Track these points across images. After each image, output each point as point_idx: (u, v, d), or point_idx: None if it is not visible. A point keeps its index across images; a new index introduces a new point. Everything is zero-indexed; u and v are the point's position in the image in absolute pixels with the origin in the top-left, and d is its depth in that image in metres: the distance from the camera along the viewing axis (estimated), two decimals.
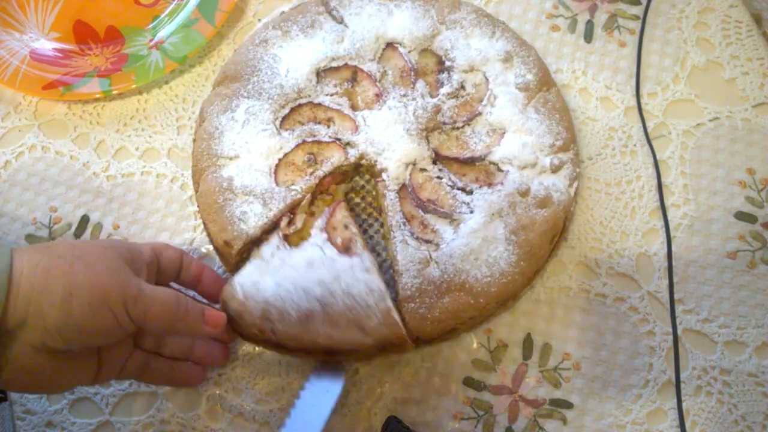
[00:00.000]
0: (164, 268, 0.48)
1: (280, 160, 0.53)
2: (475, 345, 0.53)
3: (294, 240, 0.51)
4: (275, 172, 0.53)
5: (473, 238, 0.50)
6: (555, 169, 0.53)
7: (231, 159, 0.54)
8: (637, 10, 0.64)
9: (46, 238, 0.57)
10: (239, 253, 0.51)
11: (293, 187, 0.52)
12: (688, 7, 0.64)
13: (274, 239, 0.51)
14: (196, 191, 0.55)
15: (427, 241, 0.51)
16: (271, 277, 0.49)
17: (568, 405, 0.51)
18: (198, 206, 0.55)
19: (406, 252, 0.50)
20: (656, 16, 0.64)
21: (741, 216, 0.56)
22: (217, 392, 0.52)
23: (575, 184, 0.54)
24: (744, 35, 0.62)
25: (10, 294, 0.39)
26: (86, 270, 0.41)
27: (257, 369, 0.53)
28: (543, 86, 0.56)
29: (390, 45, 0.58)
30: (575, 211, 0.57)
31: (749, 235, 0.56)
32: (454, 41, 0.57)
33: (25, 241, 0.57)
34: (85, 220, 0.58)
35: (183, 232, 0.57)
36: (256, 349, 0.53)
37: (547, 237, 0.51)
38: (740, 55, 0.62)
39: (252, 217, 0.51)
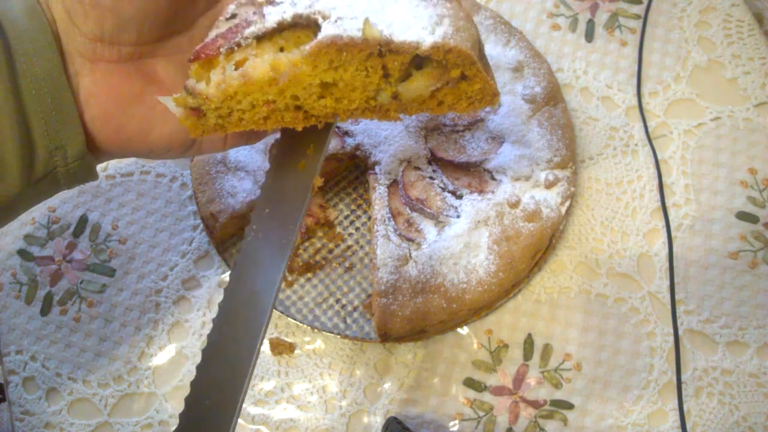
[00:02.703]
0: None
1: (276, 140, 0.53)
2: (475, 346, 0.53)
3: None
4: (270, 152, 0.54)
5: (456, 242, 0.50)
6: (549, 185, 0.53)
7: None
8: (639, 9, 0.64)
9: (45, 239, 0.57)
10: (224, 227, 0.52)
11: None
12: (689, 6, 0.63)
13: None
14: (191, 160, 0.56)
15: (410, 240, 0.51)
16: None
17: (569, 406, 0.51)
18: (191, 175, 0.55)
19: (386, 247, 0.50)
20: (657, 15, 0.63)
21: (742, 216, 0.56)
22: None
23: (567, 203, 0.53)
24: (745, 34, 0.62)
25: None
26: None
27: (256, 370, 0.53)
28: (550, 100, 0.56)
29: None
30: (575, 212, 0.56)
31: (751, 236, 0.55)
32: None
33: (24, 242, 0.57)
34: (83, 220, 0.58)
35: (182, 232, 0.57)
36: None
37: (530, 251, 0.51)
38: (742, 55, 0.61)
39: (241, 192, 0.52)
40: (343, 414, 0.51)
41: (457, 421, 0.51)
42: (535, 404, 0.51)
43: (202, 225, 0.56)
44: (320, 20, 0.34)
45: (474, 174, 0.54)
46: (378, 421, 0.51)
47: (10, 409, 0.52)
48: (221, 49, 0.35)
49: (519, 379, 0.52)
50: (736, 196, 0.57)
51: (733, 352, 0.52)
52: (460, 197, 0.52)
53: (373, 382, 0.52)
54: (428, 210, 0.52)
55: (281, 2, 0.35)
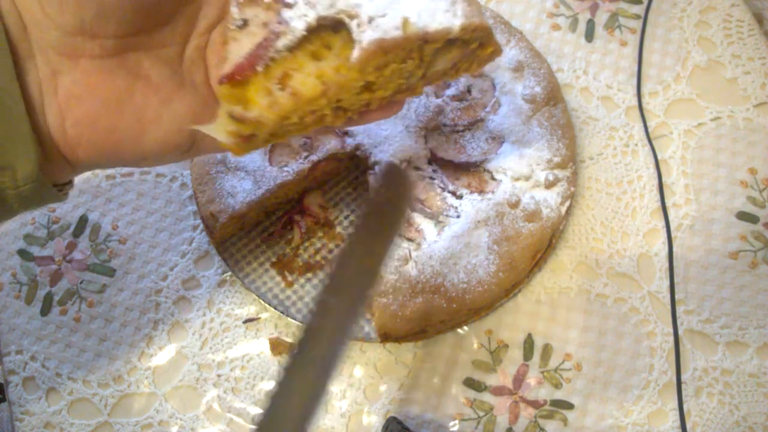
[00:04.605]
0: None
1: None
2: (475, 346, 0.53)
3: None
4: (270, 152, 0.54)
5: (456, 242, 0.50)
6: (549, 185, 0.53)
7: None
8: (639, 9, 0.64)
9: (45, 239, 0.57)
10: (224, 227, 0.52)
11: (286, 168, 0.53)
12: (689, 6, 0.63)
13: None
14: (191, 160, 0.55)
15: (409, 239, 0.51)
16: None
17: (569, 406, 0.51)
18: (191, 175, 0.55)
19: None
20: (657, 15, 0.63)
21: (742, 216, 0.56)
22: (216, 393, 0.52)
23: (567, 203, 0.53)
24: (745, 34, 0.62)
25: None
26: None
27: (256, 370, 0.53)
28: (550, 100, 0.56)
29: None
30: (575, 212, 0.56)
31: (751, 236, 0.55)
32: None
33: (24, 241, 0.57)
34: (83, 220, 0.58)
35: (182, 232, 0.57)
36: (255, 350, 0.53)
37: (530, 251, 0.51)
38: (742, 55, 0.61)
39: (241, 192, 0.52)
40: (343, 414, 0.51)
41: (457, 421, 0.51)
42: (535, 404, 0.51)
43: (202, 225, 0.56)
44: (346, 20, 0.33)
45: (474, 174, 0.54)
46: (378, 421, 0.51)
47: (10, 409, 0.52)
48: (258, 68, 0.33)
49: (519, 379, 0.52)
50: (736, 196, 0.57)
51: (733, 352, 0.52)
52: (460, 197, 0.52)
53: (373, 382, 0.52)
54: (428, 210, 0.52)
55: (295, 2, 0.34)
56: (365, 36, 0.33)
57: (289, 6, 0.34)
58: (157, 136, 0.34)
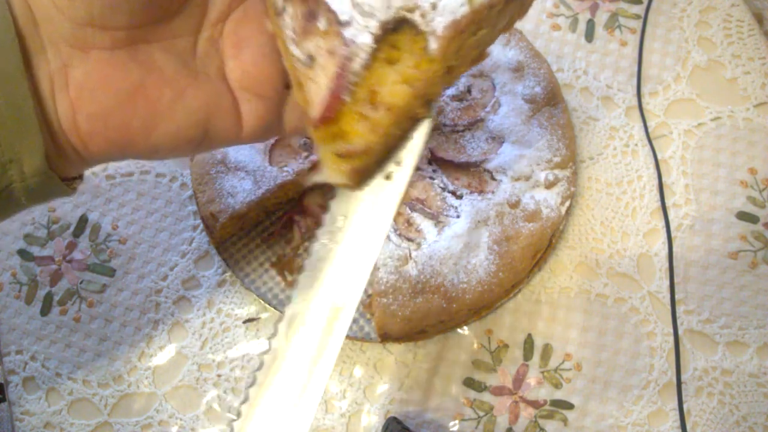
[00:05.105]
0: None
1: (276, 140, 0.54)
2: (475, 346, 0.53)
3: None
4: (270, 152, 0.54)
5: (456, 242, 0.50)
6: (549, 185, 0.53)
7: None
8: (639, 9, 0.64)
9: (45, 238, 0.57)
10: (224, 227, 0.52)
11: (285, 168, 0.53)
12: (689, 6, 0.63)
13: None
14: (191, 160, 0.55)
15: (409, 239, 0.51)
16: None
17: (569, 406, 0.51)
18: (191, 175, 0.55)
19: (386, 247, 0.50)
20: (657, 15, 0.63)
21: (742, 216, 0.56)
22: (216, 393, 0.52)
23: (567, 203, 0.53)
24: (746, 34, 0.62)
25: None
26: None
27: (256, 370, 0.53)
28: (550, 101, 0.56)
29: None
30: (575, 212, 0.56)
31: (751, 236, 0.55)
32: None
33: (24, 241, 0.57)
34: (83, 220, 0.58)
35: (182, 232, 0.57)
36: (255, 350, 0.53)
37: (530, 251, 0.51)
38: (742, 55, 0.61)
39: (241, 192, 0.52)
40: (343, 414, 0.51)
41: (457, 421, 0.51)
42: (535, 404, 0.51)
43: (202, 225, 0.56)
44: (408, 15, 0.31)
45: (474, 174, 0.54)
46: (378, 421, 0.51)
47: (10, 409, 0.52)
48: (344, 98, 0.32)
49: (519, 379, 0.52)
50: (736, 196, 0.57)
51: (733, 352, 0.52)
52: (460, 197, 0.52)
53: (373, 382, 0.52)
54: (428, 210, 0.52)
55: (350, 17, 0.32)
56: (437, 24, 0.31)
57: (347, 24, 0.32)
58: (170, 129, 0.34)
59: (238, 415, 0.33)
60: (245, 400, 0.33)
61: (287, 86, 0.37)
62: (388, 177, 0.36)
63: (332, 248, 0.35)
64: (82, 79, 0.31)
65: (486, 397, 0.51)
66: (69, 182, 0.35)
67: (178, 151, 0.36)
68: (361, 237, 0.35)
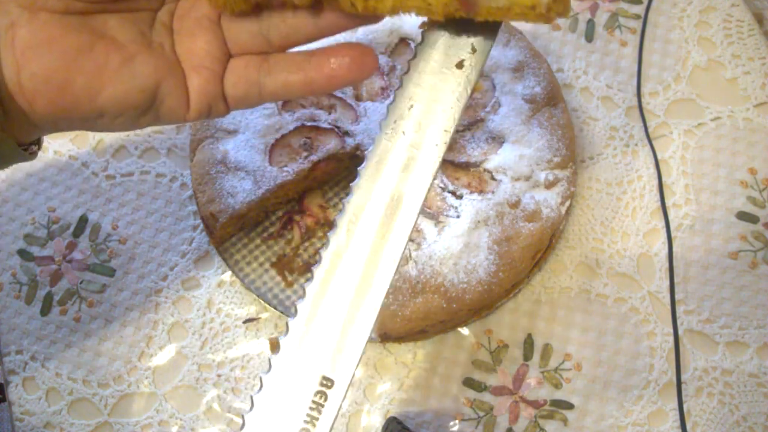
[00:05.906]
0: None
1: (276, 140, 0.54)
2: (475, 346, 0.53)
3: None
4: (270, 152, 0.54)
5: (455, 242, 0.50)
6: (549, 185, 0.53)
7: (229, 133, 0.54)
8: (639, 9, 0.64)
9: (45, 239, 0.57)
10: (224, 227, 0.52)
11: (285, 168, 0.53)
12: (689, 6, 0.63)
13: None
14: (192, 160, 0.55)
15: (410, 240, 0.51)
16: None
17: (569, 406, 0.51)
18: (191, 175, 0.55)
19: None
20: (657, 15, 0.63)
21: (742, 216, 0.56)
22: (216, 393, 0.52)
23: (567, 203, 0.53)
24: (745, 34, 0.62)
25: None
26: None
27: (256, 370, 0.53)
28: (550, 101, 0.56)
29: (403, 40, 0.58)
30: (575, 212, 0.56)
31: (751, 236, 0.55)
32: None
33: (24, 241, 0.57)
34: (83, 219, 0.58)
35: (182, 232, 0.57)
36: (255, 350, 0.53)
37: (530, 251, 0.51)
38: (742, 55, 0.61)
39: (241, 192, 0.52)
40: (343, 414, 0.51)
41: (457, 421, 0.51)
42: (535, 404, 0.51)
43: (202, 225, 0.56)
44: None
45: (474, 174, 0.54)
46: (378, 421, 0.51)
47: (10, 409, 0.52)
48: None
49: (519, 379, 0.52)
50: (736, 196, 0.57)
51: (733, 352, 0.52)
52: (460, 197, 0.52)
53: (373, 382, 0.52)
54: (428, 210, 0.52)
55: None
56: None
57: None
58: (117, 92, 0.33)
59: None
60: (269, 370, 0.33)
61: (228, 56, 0.36)
62: (459, 65, 0.34)
63: (395, 138, 0.35)
64: (28, 38, 0.31)
65: (486, 397, 0.51)
66: (26, 147, 0.35)
67: (124, 118, 0.35)
68: (426, 127, 0.35)
